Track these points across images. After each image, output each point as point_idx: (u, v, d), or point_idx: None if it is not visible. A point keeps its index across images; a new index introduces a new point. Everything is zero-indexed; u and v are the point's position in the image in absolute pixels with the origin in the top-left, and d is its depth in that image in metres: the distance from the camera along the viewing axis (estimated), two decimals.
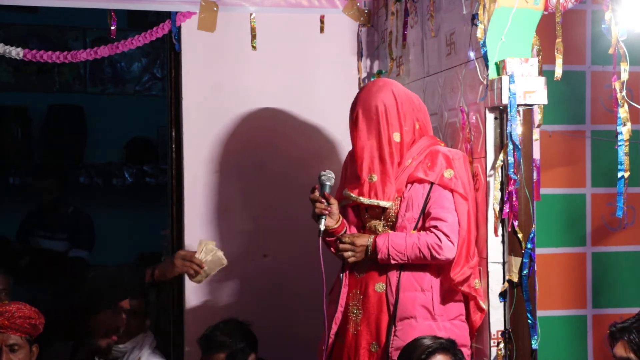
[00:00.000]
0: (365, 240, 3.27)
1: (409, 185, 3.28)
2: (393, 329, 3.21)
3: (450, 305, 3.24)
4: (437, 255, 3.17)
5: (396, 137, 3.29)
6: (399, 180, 3.29)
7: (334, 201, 3.31)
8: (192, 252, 3.53)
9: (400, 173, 3.30)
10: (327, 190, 3.30)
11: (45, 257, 6.03)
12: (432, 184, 3.24)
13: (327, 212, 3.28)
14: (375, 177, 3.28)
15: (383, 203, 3.27)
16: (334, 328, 3.36)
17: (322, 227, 3.27)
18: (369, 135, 3.30)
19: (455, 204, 3.22)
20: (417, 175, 3.27)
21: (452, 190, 3.21)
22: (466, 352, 3.20)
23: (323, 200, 3.28)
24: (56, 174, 6.31)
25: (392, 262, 3.21)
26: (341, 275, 3.38)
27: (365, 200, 3.29)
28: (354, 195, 3.31)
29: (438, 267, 3.24)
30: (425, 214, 3.25)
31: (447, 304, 3.24)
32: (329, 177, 3.31)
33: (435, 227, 3.19)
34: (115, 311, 3.74)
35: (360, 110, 3.31)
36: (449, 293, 3.24)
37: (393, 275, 3.25)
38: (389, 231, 3.28)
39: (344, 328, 3.34)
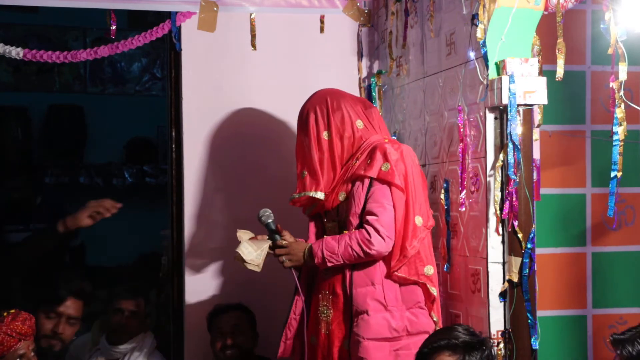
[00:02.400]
0: (302, 245, 3.42)
1: (350, 184, 3.40)
2: (352, 326, 3.31)
3: (406, 295, 3.33)
4: (368, 251, 3.24)
5: (325, 135, 3.47)
6: (345, 179, 3.42)
7: (285, 236, 3.48)
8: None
9: (346, 173, 3.42)
10: (273, 227, 3.48)
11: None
12: (371, 179, 3.33)
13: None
14: (306, 173, 3.48)
15: (311, 193, 3.44)
16: (288, 334, 3.53)
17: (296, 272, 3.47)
18: (302, 138, 3.53)
19: (393, 197, 3.29)
20: (358, 172, 3.38)
21: (389, 183, 3.29)
22: None
23: (281, 244, 3.44)
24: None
25: (329, 264, 3.32)
26: (295, 286, 3.51)
27: (295, 195, 3.50)
28: (291, 196, 3.54)
29: (388, 260, 3.31)
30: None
31: (402, 294, 3.32)
32: (269, 215, 3.50)
33: (367, 221, 3.28)
34: (47, 316, 3.94)
35: (298, 118, 3.58)
36: (403, 283, 3.33)
37: (347, 273, 3.34)
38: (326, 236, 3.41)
39: (316, 328, 3.43)
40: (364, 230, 3.26)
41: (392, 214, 3.27)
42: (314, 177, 3.45)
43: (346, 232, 3.33)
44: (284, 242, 3.43)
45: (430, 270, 3.32)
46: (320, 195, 3.43)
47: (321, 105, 3.50)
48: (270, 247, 3.45)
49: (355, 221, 3.34)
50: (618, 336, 2.85)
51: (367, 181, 3.34)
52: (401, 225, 3.27)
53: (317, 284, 3.48)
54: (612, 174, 2.81)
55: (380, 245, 3.24)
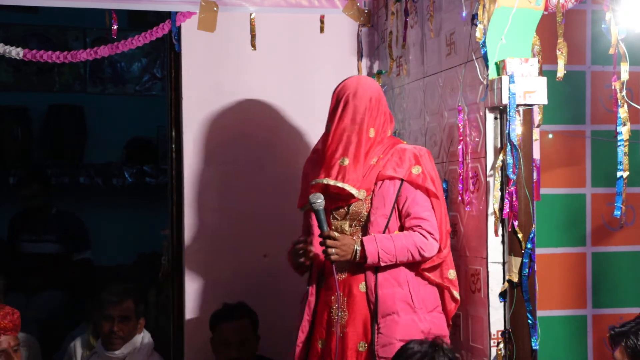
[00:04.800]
0: (352, 242, 3.26)
1: (379, 183, 3.32)
2: (376, 327, 3.25)
3: (428, 298, 3.31)
4: (423, 254, 3.24)
5: (371, 132, 3.35)
6: (367, 179, 3.32)
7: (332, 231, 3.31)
8: None
9: (368, 172, 3.33)
10: (323, 217, 3.26)
11: (43, 260, 6.03)
12: (402, 180, 3.29)
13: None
14: (347, 161, 3.30)
15: (348, 187, 3.27)
16: (301, 337, 3.39)
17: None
18: (352, 122, 3.33)
19: (431, 202, 3.29)
20: (386, 173, 3.31)
21: (424, 189, 3.28)
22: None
23: (334, 235, 3.26)
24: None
25: (382, 264, 3.24)
26: (307, 287, 3.42)
27: (331, 181, 3.28)
28: (320, 179, 3.31)
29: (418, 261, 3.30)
30: (402, 213, 3.30)
31: (424, 296, 3.30)
32: (321, 202, 3.26)
33: (419, 226, 3.26)
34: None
35: (351, 96, 3.35)
36: (423, 286, 3.31)
37: (370, 274, 3.28)
38: (373, 234, 3.29)
39: (329, 331, 3.33)
40: (419, 235, 3.24)
41: (435, 218, 3.28)
42: (354, 170, 3.29)
43: (398, 232, 3.27)
44: (335, 234, 3.26)
45: (452, 274, 3.31)
46: (362, 194, 3.30)
47: (377, 97, 3.36)
48: (320, 236, 3.28)
49: (382, 222, 3.29)
50: (619, 329, 2.84)
51: (397, 183, 3.30)
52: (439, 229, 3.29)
53: (327, 285, 3.37)
54: (619, 174, 2.80)
55: (433, 249, 3.25)
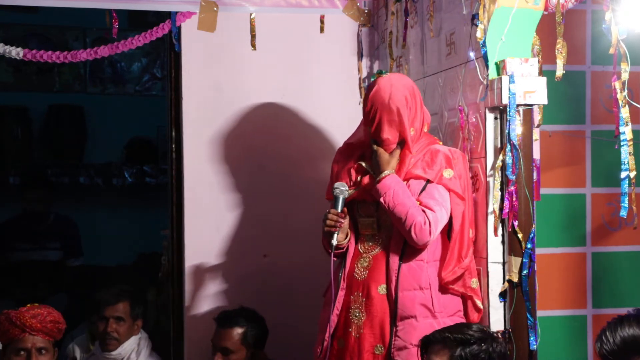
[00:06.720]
0: (387, 166, 3.23)
1: (406, 182, 3.27)
2: (394, 329, 3.20)
3: (449, 302, 3.24)
4: (412, 233, 3.15)
5: (411, 131, 3.27)
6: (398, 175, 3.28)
7: (346, 216, 3.28)
8: None
9: (397, 169, 3.28)
10: (341, 203, 3.25)
11: (43, 268, 6.01)
12: (427, 181, 3.23)
13: (339, 227, 3.24)
14: (399, 151, 3.29)
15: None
16: (329, 330, 3.31)
17: (335, 242, 3.25)
18: (391, 125, 3.25)
19: (451, 203, 3.22)
20: (414, 172, 3.26)
21: (449, 190, 3.22)
22: None
23: (342, 215, 3.24)
24: (45, 184, 6.30)
25: (380, 199, 3.19)
26: (340, 275, 3.32)
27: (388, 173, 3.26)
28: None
29: (435, 264, 3.24)
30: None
31: (446, 300, 3.23)
32: (343, 190, 3.26)
33: (425, 212, 3.18)
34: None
35: (387, 101, 3.23)
36: (446, 290, 3.24)
37: (392, 274, 3.22)
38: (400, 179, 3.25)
39: (346, 331, 3.29)
40: (425, 217, 3.14)
41: (445, 219, 3.21)
42: (403, 162, 3.28)
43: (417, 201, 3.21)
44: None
45: (475, 283, 3.23)
46: None
47: (414, 95, 3.27)
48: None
49: None
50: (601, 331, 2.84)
51: (422, 183, 3.24)
52: (458, 234, 3.21)
53: (347, 284, 3.31)
54: (624, 174, 2.79)
55: (424, 237, 3.15)
